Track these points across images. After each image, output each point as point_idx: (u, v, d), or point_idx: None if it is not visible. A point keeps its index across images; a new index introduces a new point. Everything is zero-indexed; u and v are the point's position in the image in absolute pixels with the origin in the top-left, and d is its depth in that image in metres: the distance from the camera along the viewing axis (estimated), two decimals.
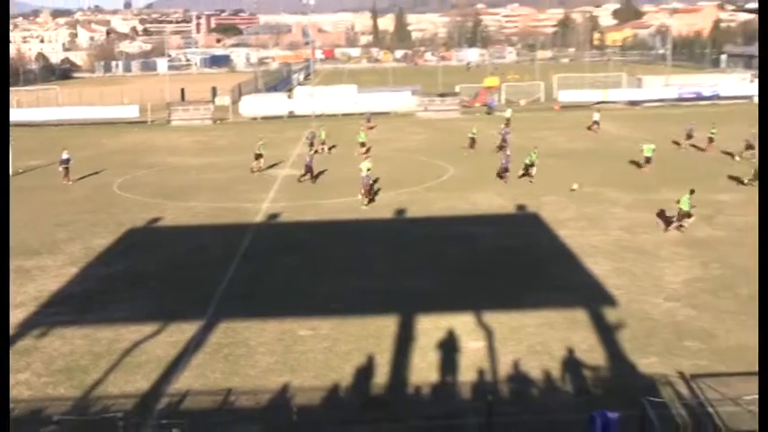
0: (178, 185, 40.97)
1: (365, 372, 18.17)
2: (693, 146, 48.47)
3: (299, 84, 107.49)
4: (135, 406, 16.32)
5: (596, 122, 58.39)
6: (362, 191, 34.74)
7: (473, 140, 50.41)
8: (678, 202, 29.38)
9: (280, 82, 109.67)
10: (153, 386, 17.45)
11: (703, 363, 18.16)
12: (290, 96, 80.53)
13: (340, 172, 42.83)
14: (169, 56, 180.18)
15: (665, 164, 41.80)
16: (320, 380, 17.65)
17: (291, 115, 72.67)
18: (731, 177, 38.67)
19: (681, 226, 29.56)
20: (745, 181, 36.92)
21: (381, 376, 17.98)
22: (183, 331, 20.50)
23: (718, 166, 42.63)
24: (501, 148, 48.47)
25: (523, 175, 39.16)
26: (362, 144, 49.63)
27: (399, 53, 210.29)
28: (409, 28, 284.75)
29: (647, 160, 41.57)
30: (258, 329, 20.68)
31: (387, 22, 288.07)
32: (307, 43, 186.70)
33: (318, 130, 52.63)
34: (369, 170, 35.68)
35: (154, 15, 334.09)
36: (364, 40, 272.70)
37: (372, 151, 48.07)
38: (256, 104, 75.80)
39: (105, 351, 19.20)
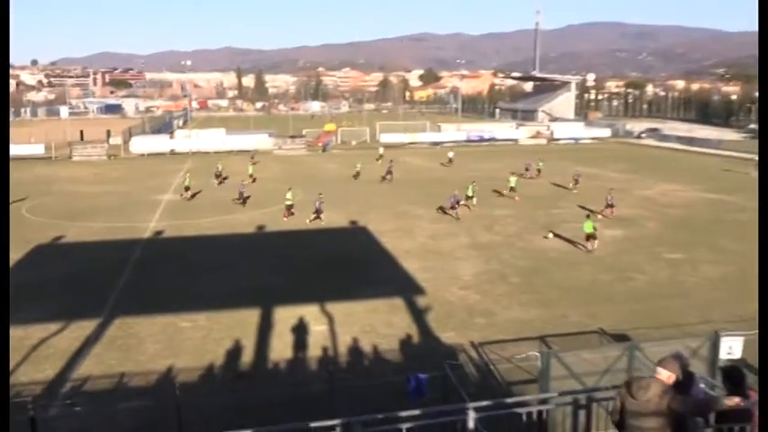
0: (79, 209, 38.52)
1: (234, 353, 17.75)
2: (529, 177, 48.99)
3: (179, 127, 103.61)
4: (43, 391, 15.22)
5: (450, 160, 58.88)
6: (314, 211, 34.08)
7: (358, 173, 49.79)
8: (585, 228, 27.99)
9: (163, 126, 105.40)
10: (58, 374, 16.32)
11: (487, 333, 18.77)
12: (171, 137, 77.68)
13: (215, 196, 41.85)
14: (70, 104, 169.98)
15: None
16: (198, 361, 17.08)
17: (173, 152, 70.10)
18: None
19: (587, 246, 27.87)
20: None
21: (248, 356, 17.61)
22: (83, 328, 19.31)
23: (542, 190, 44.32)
24: (384, 178, 48.20)
25: (464, 204, 36.59)
26: (251, 175, 48.23)
27: (259, 104, 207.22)
28: (266, 85, 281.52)
29: (512, 189, 40.75)
30: (147, 323, 19.79)
31: (249, 80, 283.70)
32: (185, 96, 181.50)
33: (219, 165, 50.61)
34: (321, 195, 34.75)
35: (57, 71, 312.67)
36: (231, 93, 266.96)
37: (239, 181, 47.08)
38: (144, 144, 72.67)
39: (16, 346, 17.72)
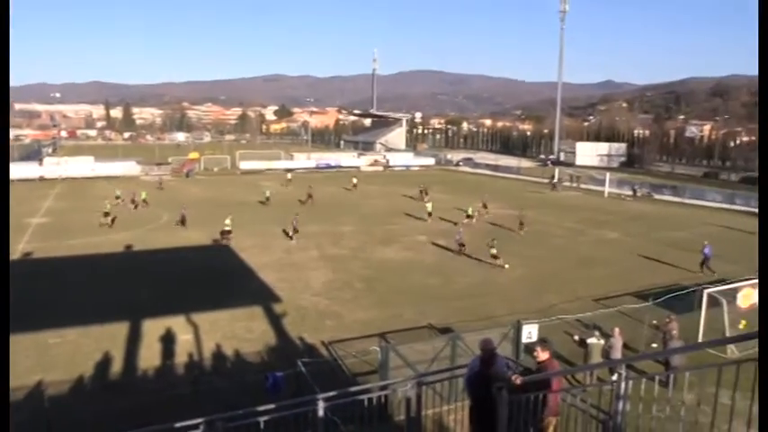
0: None
1: (104, 364, 16.46)
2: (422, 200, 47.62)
3: (48, 155, 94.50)
4: None
5: (355, 185, 57.83)
6: (292, 229, 33.38)
7: (268, 198, 47.20)
8: (490, 247, 27.87)
9: (32, 153, 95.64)
10: None
11: (336, 333, 18.86)
12: (40, 164, 70.75)
13: (88, 219, 38.65)
14: None
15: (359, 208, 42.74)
16: (68, 374, 15.65)
17: (42, 179, 64.04)
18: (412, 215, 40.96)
19: (496, 264, 27.38)
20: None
21: (117, 366, 16.41)
22: None
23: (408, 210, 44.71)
24: (303, 202, 46.28)
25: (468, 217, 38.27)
26: (144, 200, 45.04)
27: (127, 134, 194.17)
28: (134, 116, 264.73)
29: (429, 214, 39.70)
30: (16, 341, 17.68)
31: (117, 112, 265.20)
32: (54, 125, 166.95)
33: (118, 191, 46.46)
34: (297, 215, 33.90)
35: None
36: (100, 124, 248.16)
37: (117, 204, 43.68)
38: (12, 170, 65.60)
39: None
